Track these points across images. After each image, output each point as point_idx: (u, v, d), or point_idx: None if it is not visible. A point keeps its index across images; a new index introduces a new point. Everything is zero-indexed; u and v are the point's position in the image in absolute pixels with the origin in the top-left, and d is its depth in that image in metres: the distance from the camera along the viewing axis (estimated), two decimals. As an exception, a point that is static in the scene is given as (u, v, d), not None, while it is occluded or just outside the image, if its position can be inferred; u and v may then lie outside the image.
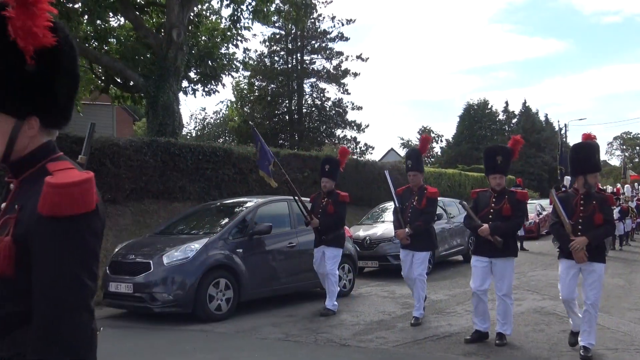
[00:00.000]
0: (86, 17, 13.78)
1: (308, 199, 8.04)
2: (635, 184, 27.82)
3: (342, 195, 7.67)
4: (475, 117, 49.39)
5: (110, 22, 15.95)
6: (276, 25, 32.13)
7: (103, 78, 16.64)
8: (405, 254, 6.90)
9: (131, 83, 15.43)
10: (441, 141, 56.27)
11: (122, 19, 15.93)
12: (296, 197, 7.55)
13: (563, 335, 6.08)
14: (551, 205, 5.26)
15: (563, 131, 43.75)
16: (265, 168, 7.72)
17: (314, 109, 35.07)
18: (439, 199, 14.27)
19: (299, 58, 34.63)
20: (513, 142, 6.02)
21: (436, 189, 7.08)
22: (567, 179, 16.15)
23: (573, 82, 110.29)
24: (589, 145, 5.35)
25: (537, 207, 21.83)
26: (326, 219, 7.49)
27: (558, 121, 46.08)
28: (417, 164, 6.93)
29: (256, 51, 35.58)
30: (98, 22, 14.49)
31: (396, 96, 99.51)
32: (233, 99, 34.77)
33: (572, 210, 5.16)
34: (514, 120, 50.30)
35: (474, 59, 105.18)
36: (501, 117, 51.32)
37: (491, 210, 5.76)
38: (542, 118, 50.34)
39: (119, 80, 16.31)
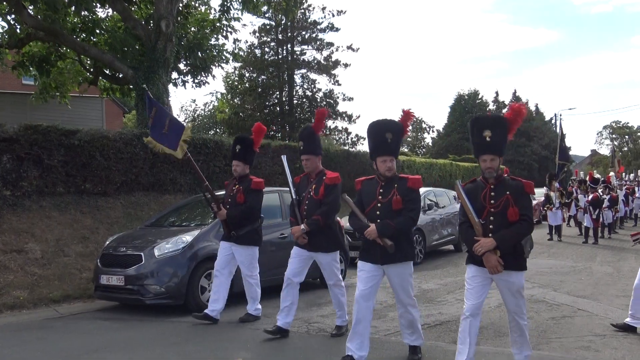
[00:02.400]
0: (73, 8, 13.63)
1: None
2: (623, 173, 28.04)
3: (255, 181, 6.46)
4: (466, 107, 49.58)
5: (98, 13, 15.79)
6: (266, 15, 31.97)
7: (92, 70, 16.50)
8: (299, 252, 5.69)
9: (120, 75, 15.31)
10: (432, 131, 56.47)
11: (110, 10, 15.78)
12: (205, 184, 6.58)
13: (552, 322, 6.17)
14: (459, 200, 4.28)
15: (554, 121, 44.02)
16: (163, 138, 6.42)
17: (304, 100, 34.99)
18: (430, 189, 14.42)
19: (290, 49, 34.49)
20: (405, 116, 4.81)
21: (337, 173, 5.69)
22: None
23: (563, 71, 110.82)
24: (484, 119, 4.24)
25: (527, 196, 21.98)
26: (235, 210, 6.38)
27: (558, 115, 46.43)
28: (310, 146, 5.67)
29: (246, 42, 35.43)
30: (85, 13, 14.35)
31: (387, 87, 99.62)
32: (223, 91, 34.62)
33: (481, 205, 4.10)
34: (504, 110, 50.52)
35: (465, 50, 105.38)
36: (492, 107, 51.54)
37: (378, 205, 4.63)
38: (532, 108, 50.59)
39: (107, 72, 16.19)
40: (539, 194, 22.25)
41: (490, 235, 4.00)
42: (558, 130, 18.75)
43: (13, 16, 13.98)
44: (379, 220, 4.56)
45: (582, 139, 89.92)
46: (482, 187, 4.16)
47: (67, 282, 8.44)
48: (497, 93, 51.83)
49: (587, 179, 17.81)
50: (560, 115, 37.49)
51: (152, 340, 5.81)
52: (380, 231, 4.52)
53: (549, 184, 16.40)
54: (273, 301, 7.68)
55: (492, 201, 4.08)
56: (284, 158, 6.01)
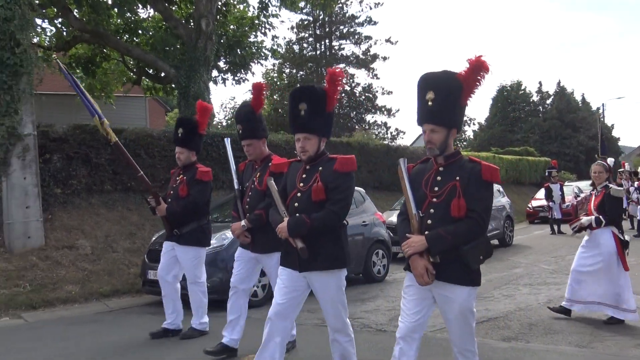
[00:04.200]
0: (115, 10, 13.97)
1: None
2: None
3: (201, 171, 5.47)
4: (509, 98, 48.39)
5: (140, 14, 16.14)
6: (304, 11, 32.04)
7: (135, 70, 16.89)
8: (241, 254, 4.82)
9: (162, 74, 15.62)
10: (474, 124, 55.48)
11: (152, 11, 16.11)
12: (139, 174, 5.69)
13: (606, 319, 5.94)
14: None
15: (601, 111, 42.53)
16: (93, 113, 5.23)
17: (343, 94, 34.91)
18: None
19: (328, 44, 34.51)
20: (329, 78, 3.72)
21: (284, 159, 4.56)
22: (611, 161, 15.64)
23: (610, 59, 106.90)
24: (429, 77, 3.18)
25: (575, 189, 21.35)
26: (177, 205, 5.44)
27: (603, 106, 44.80)
28: (250, 128, 4.69)
29: (284, 38, 35.60)
30: (128, 14, 14.69)
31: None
32: (263, 87, 34.90)
33: (423, 194, 3.14)
34: (549, 101, 49.09)
35: (507, 39, 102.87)
36: (535, 98, 50.14)
37: (298, 194, 3.63)
38: (579, 98, 48.96)
39: (150, 72, 16.54)
40: (585, 186, 21.57)
41: (426, 233, 3.05)
42: (601, 124, 17.99)
43: (60, 20, 14.42)
44: (297, 215, 3.55)
45: (632, 129, 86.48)
46: (429, 169, 3.22)
47: (116, 277, 8.67)
48: (540, 83, 50.25)
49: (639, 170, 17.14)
50: (603, 108, 36.03)
51: (199, 334, 5.89)
52: (291, 229, 3.50)
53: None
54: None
55: (435, 188, 3.09)
56: (226, 141, 5.03)
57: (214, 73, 16.94)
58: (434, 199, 3.07)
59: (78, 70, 16.42)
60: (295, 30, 34.34)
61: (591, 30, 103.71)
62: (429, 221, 3.06)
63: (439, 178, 3.12)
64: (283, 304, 3.62)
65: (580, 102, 48.09)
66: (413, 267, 3.07)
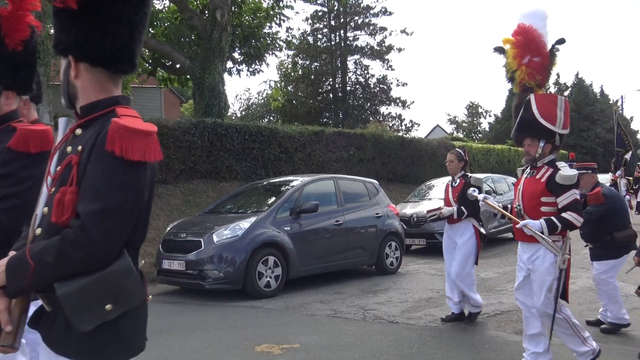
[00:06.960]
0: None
1: None
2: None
3: None
4: (525, 90, 47.87)
5: (155, 5, 16.20)
6: (318, 2, 31.92)
7: (150, 61, 16.99)
8: None
9: (177, 65, 15.69)
10: (489, 116, 55.04)
11: (167, 2, 16.17)
12: None
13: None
14: None
15: (620, 103, 41.87)
16: None
17: (358, 86, 34.83)
18: (487, 175, 14.12)
19: (342, 35, 34.33)
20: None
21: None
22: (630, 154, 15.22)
23: (631, 48, 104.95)
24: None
25: (592, 182, 21.08)
26: None
27: (622, 98, 44.04)
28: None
29: (299, 29, 35.51)
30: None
31: (442, 71, 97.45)
32: (277, 79, 34.96)
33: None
34: (566, 93, 48.49)
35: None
36: (552, 89, 49.53)
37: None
38: (597, 90, 48.28)
39: (165, 63, 16.62)
40: (604, 180, 21.28)
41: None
42: (618, 116, 17.68)
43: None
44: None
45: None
46: None
47: (131, 267, 8.78)
48: (558, 75, 49.58)
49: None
50: (622, 100, 35.48)
51: (212, 323, 5.96)
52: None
53: (615, 171, 15.68)
54: (331, 287, 7.73)
55: (57, 168, 1.70)
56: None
57: (229, 64, 16.98)
58: (52, 189, 1.66)
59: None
60: (309, 21, 34.22)
61: (608, 20, 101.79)
62: (38, 230, 1.67)
63: (68, 149, 1.68)
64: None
65: (598, 94, 47.46)
66: None
